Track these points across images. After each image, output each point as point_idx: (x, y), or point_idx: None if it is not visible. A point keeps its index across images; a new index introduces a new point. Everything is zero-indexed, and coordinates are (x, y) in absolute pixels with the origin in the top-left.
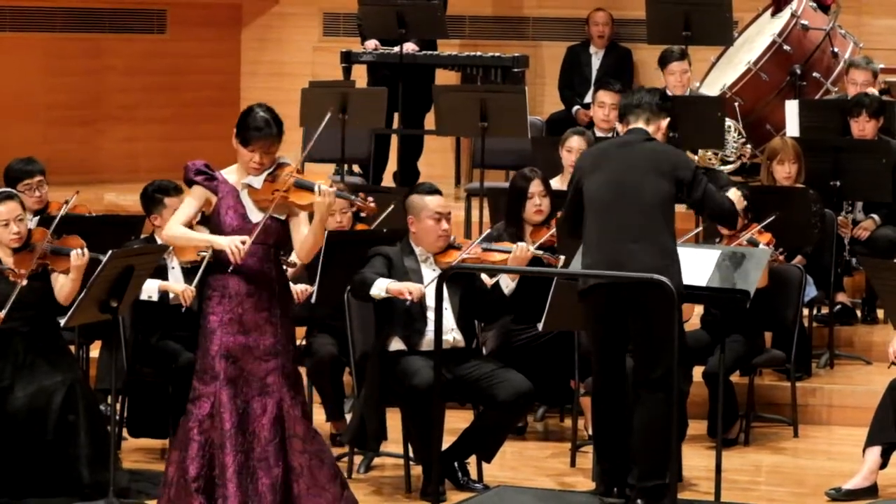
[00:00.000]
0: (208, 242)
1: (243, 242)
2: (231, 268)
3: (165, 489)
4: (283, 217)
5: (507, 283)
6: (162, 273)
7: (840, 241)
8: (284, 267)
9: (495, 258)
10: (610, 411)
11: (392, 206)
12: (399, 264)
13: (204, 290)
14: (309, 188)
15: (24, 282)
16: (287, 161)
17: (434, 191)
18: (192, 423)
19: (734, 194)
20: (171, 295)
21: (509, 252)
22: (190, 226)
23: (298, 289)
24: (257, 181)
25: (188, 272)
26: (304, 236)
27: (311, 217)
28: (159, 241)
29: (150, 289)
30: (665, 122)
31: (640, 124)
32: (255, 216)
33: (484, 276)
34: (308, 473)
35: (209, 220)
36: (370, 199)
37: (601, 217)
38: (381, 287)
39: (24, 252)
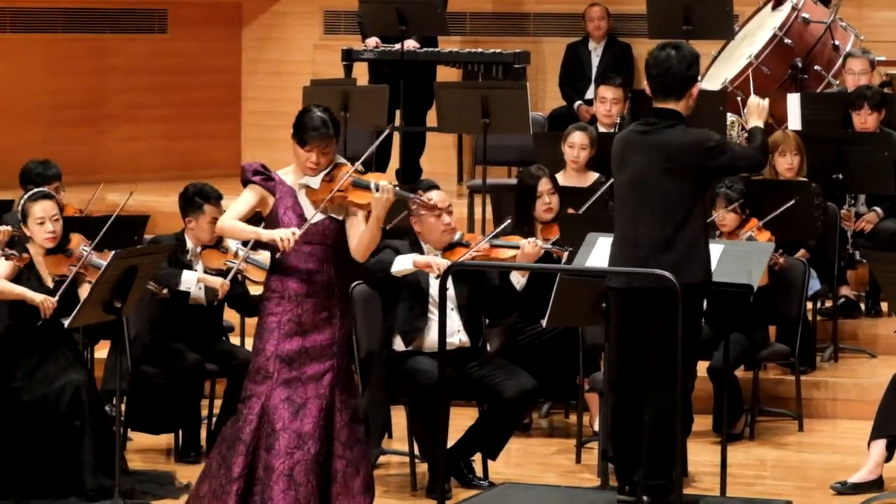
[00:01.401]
0: (256, 234)
1: (293, 233)
2: (279, 254)
3: (207, 479)
4: (340, 217)
5: (518, 279)
6: None
7: (843, 235)
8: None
9: (504, 255)
10: (624, 410)
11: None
12: None
13: (263, 291)
14: (367, 187)
15: (52, 284)
16: (343, 161)
17: (431, 186)
18: (242, 423)
19: (753, 106)
20: (192, 294)
21: (517, 248)
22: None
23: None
24: (315, 181)
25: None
26: (361, 234)
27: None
28: (189, 242)
29: (189, 280)
30: (696, 90)
31: (671, 103)
32: (313, 217)
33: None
34: (342, 480)
35: (265, 221)
36: (428, 195)
37: (624, 219)
38: (405, 262)
39: (59, 255)
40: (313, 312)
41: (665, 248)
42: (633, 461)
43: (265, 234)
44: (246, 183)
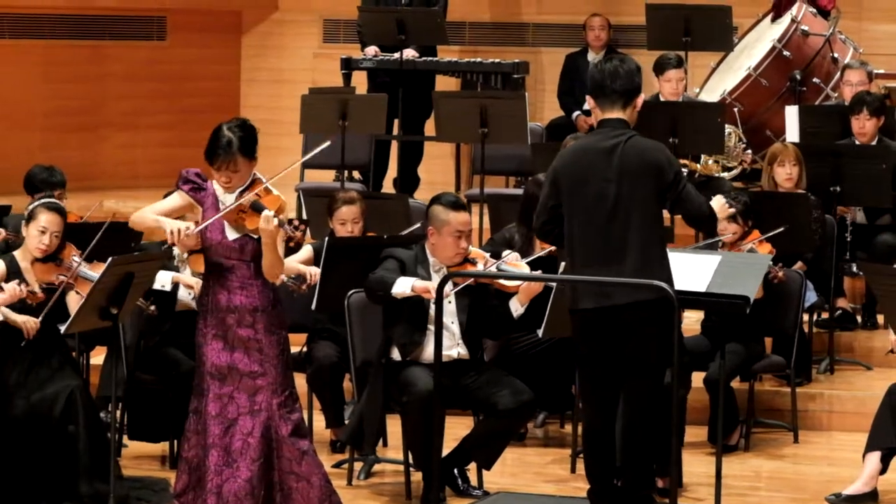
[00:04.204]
0: (156, 222)
1: (188, 228)
2: (164, 246)
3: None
4: (255, 235)
5: (517, 308)
6: None
7: (841, 247)
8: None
9: (508, 284)
10: (601, 432)
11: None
12: (412, 271)
13: (198, 306)
14: (261, 211)
15: (40, 293)
16: (260, 178)
17: (459, 206)
18: (183, 440)
19: (717, 202)
20: (179, 299)
21: (522, 276)
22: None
23: (312, 271)
24: (230, 199)
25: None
26: (263, 258)
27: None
28: (175, 249)
29: (163, 279)
30: (640, 100)
31: (617, 113)
32: (231, 233)
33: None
34: (299, 497)
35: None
36: (301, 227)
37: (587, 238)
38: (405, 285)
39: (49, 263)
40: (238, 328)
41: (638, 261)
42: (608, 486)
43: (164, 223)
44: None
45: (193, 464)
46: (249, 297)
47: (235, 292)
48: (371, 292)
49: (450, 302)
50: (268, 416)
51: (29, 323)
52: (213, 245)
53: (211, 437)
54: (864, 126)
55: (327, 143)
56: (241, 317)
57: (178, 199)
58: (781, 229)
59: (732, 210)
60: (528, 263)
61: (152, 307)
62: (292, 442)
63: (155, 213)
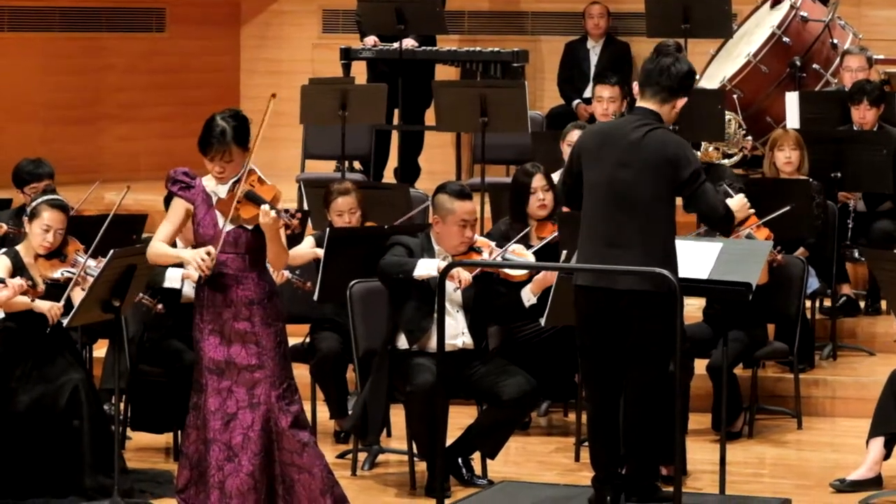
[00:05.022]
0: (177, 257)
1: (208, 254)
2: (202, 279)
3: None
4: (249, 226)
5: (529, 298)
6: None
7: (842, 233)
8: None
9: (513, 273)
10: (603, 416)
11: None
12: (418, 258)
13: (194, 302)
14: (256, 202)
15: (42, 286)
16: (253, 168)
17: (465, 195)
18: (184, 437)
19: (738, 201)
20: (184, 293)
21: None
22: (174, 240)
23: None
24: (223, 190)
25: None
26: (268, 251)
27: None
28: (179, 243)
29: (173, 277)
30: (682, 102)
31: (655, 105)
32: (225, 225)
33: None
34: (300, 489)
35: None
36: (297, 216)
37: (597, 220)
38: (429, 266)
39: (52, 259)
40: (234, 322)
41: (642, 249)
42: (612, 474)
43: (184, 256)
44: (168, 192)
45: (194, 459)
46: (245, 289)
47: (231, 286)
48: (386, 276)
49: (455, 290)
50: (267, 409)
51: (53, 309)
52: (206, 239)
53: (211, 433)
54: (864, 116)
55: (270, 104)
56: (237, 310)
57: (173, 217)
58: (780, 212)
59: (752, 210)
60: (533, 253)
61: (160, 305)
62: (292, 434)
63: (161, 240)
